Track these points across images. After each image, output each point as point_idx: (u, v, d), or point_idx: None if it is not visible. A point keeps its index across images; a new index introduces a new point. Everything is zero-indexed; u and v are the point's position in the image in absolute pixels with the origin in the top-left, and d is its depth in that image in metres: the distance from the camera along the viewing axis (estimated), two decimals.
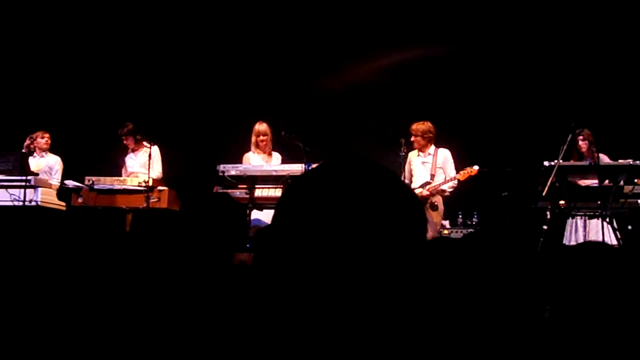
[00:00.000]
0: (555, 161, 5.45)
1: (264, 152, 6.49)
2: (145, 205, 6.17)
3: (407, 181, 6.31)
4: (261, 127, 6.47)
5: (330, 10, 7.87)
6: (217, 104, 8.05)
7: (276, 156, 6.53)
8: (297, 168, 6.02)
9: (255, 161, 6.43)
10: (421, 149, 6.37)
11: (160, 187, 6.42)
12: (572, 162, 5.82)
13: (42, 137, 6.85)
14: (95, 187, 6.33)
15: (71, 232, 6.04)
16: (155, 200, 6.25)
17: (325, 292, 1.12)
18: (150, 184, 6.29)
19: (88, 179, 6.37)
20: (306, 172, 1.25)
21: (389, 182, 1.17)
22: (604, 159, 5.86)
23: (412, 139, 6.31)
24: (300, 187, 1.20)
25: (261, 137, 6.44)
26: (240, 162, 6.38)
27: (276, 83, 8.02)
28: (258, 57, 8.08)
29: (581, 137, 6.05)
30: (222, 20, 8.07)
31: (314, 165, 5.69)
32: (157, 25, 8.04)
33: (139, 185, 6.31)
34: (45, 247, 5.87)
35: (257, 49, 8.10)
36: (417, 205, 1.20)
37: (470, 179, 6.13)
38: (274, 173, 6.04)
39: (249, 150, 6.53)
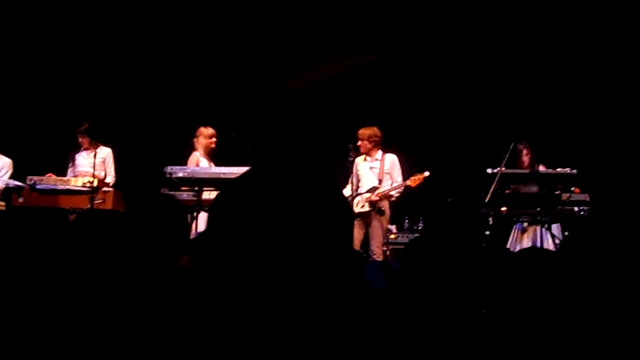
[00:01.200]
0: (498, 169, 5.58)
1: (211, 156, 6.46)
2: (89, 206, 6.05)
3: (354, 186, 6.37)
4: (213, 131, 6.44)
5: (277, 13, 7.88)
6: (165, 107, 7.97)
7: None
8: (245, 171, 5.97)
9: (204, 164, 6.39)
10: (368, 154, 6.43)
11: (105, 189, 6.31)
12: (513, 170, 5.97)
13: None
14: (37, 187, 6.18)
15: (9, 232, 5.88)
16: (100, 201, 6.14)
17: (251, 294, 1.14)
18: (95, 184, 6.18)
19: (30, 179, 6.22)
20: (237, 177, 1.27)
21: (317, 188, 1.19)
22: (542, 169, 6.04)
23: (359, 143, 6.37)
24: (231, 191, 1.21)
25: (214, 140, 6.40)
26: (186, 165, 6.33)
27: (225, 86, 8.00)
28: (206, 61, 8.03)
29: (525, 152, 6.20)
30: (168, 24, 7.99)
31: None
32: (105, 26, 7.91)
33: (83, 186, 6.19)
34: None
35: (204, 52, 8.05)
36: (343, 211, 1.23)
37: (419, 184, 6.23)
38: (222, 176, 6.00)
39: (192, 152, 6.47)
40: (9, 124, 7.39)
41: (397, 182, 6.37)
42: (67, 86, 7.93)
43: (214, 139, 6.42)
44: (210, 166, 6.36)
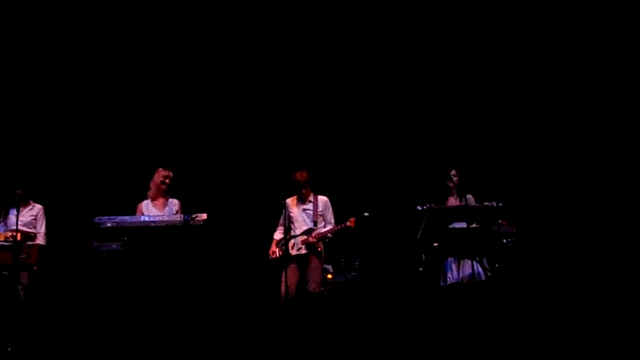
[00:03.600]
0: (427, 205, 5.67)
1: (164, 197, 6.34)
2: (11, 261, 5.82)
3: (286, 229, 6.38)
4: (167, 172, 6.34)
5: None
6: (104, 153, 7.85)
7: (173, 202, 6.40)
8: (177, 219, 5.91)
9: (150, 210, 6.28)
10: (300, 197, 6.46)
11: (29, 242, 6.10)
12: (443, 206, 6.07)
13: None
14: None
15: None
16: (25, 256, 5.93)
17: None
18: (18, 239, 5.96)
19: None
20: None
21: None
22: (471, 199, 6.17)
23: (302, 188, 6.41)
24: None
25: (167, 181, 6.30)
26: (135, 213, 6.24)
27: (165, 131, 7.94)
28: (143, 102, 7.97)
29: (454, 176, 6.34)
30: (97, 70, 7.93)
31: (194, 216, 5.67)
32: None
33: (4, 241, 5.97)
34: None
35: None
36: None
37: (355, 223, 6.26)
38: (152, 224, 5.88)
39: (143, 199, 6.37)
40: None
41: (330, 223, 6.41)
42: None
43: (165, 180, 6.30)
44: (163, 210, 6.25)
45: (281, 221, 6.43)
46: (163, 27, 7.86)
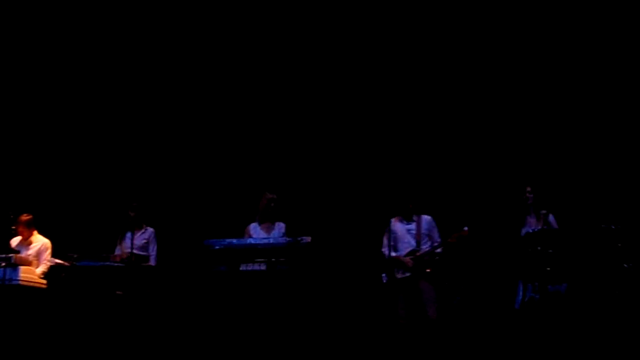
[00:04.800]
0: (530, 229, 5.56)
1: (271, 220, 6.48)
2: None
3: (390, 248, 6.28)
4: (272, 195, 6.50)
5: None
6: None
7: (280, 225, 6.51)
8: (282, 241, 6.02)
9: (257, 232, 6.44)
10: (404, 215, 6.33)
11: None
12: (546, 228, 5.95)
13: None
14: (79, 264, 6.28)
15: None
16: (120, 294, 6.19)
17: None
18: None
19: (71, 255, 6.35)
20: None
21: None
22: (552, 220, 6.10)
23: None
24: None
25: (272, 204, 6.45)
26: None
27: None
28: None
29: (529, 194, 6.25)
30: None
31: (299, 239, 5.76)
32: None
33: (120, 262, 6.31)
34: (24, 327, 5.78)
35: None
36: None
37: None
38: (259, 247, 6.02)
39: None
40: (48, 203, 7.62)
41: (437, 242, 6.23)
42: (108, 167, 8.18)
43: (270, 203, 6.45)
44: (269, 233, 6.40)
45: (385, 241, 6.31)
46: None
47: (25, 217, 6.81)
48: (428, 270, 6.04)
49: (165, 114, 8.30)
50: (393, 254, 6.14)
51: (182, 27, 8.20)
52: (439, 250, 6.13)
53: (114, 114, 8.34)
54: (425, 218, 6.31)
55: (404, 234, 6.25)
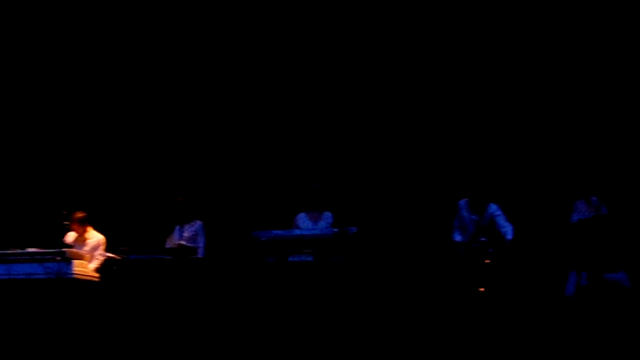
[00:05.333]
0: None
1: (318, 211, 6.53)
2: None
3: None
4: (317, 185, 6.56)
5: None
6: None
7: (327, 215, 6.55)
8: (329, 232, 6.02)
9: (304, 222, 6.49)
10: (472, 204, 6.27)
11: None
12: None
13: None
14: (131, 257, 6.38)
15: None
16: None
17: None
18: None
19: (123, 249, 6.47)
20: None
21: None
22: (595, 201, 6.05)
23: None
24: None
25: (318, 195, 6.51)
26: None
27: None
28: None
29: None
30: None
31: (345, 229, 5.74)
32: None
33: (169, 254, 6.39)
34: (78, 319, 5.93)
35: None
36: None
37: None
38: (305, 238, 6.04)
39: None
40: (101, 199, 7.79)
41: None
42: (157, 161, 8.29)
43: (315, 194, 6.50)
44: (317, 223, 6.43)
45: (457, 223, 6.27)
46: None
47: (79, 215, 6.99)
48: (487, 262, 5.97)
49: (211, 108, 8.39)
50: (458, 238, 6.19)
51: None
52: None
53: (163, 109, 8.47)
54: (492, 206, 6.24)
55: (469, 222, 6.23)
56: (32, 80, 8.62)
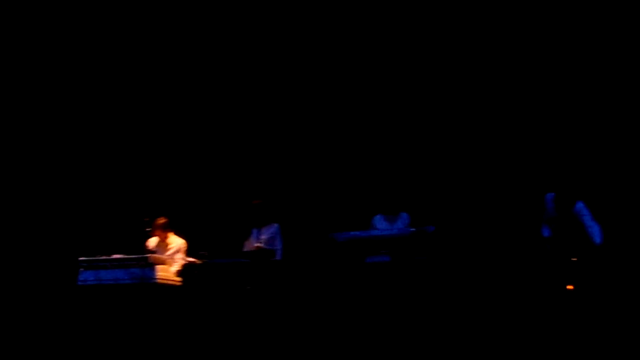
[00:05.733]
0: None
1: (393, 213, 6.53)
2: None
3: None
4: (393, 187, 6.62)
5: None
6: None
7: (404, 216, 6.54)
8: (406, 231, 5.97)
9: (381, 224, 6.49)
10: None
11: None
12: None
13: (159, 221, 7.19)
14: (212, 261, 6.51)
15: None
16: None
17: None
18: None
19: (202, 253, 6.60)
20: None
21: None
22: None
23: None
24: None
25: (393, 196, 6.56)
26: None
27: None
28: None
29: None
30: None
31: (422, 228, 5.66)
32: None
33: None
34: (162, 322, 6.08)
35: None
36: None
37: None
38: (383, 238, 6.00)
39: None
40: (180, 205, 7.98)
41: None
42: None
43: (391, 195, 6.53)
44: (393, 224, 6.42)
45: (545, 217, 6.14)
46: None
47: (161, 220, 7.18)
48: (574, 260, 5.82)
49: (290, 112, 8.45)
50: (547, 233, 6.11)
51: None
52: None
53: (240, 114, 8.61)
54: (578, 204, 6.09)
55: (554, 217, 6.11)
56: (113, 89, 8.92)
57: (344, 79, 8.29)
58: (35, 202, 8.65)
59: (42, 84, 8.88)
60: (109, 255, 6.71)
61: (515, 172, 7.44)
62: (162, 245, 7.20)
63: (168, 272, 6.67)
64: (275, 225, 7.01)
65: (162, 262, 6.68)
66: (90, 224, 8.42)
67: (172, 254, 7.06)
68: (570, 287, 5.57)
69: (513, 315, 5.63)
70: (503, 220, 7.23)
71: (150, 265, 6.50)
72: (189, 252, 7.00)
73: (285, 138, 8.43)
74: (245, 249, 6.91)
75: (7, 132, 8.79)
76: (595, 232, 5.89)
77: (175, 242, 7.21)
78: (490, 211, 7.37)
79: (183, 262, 6.83)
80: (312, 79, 8.39)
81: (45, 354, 6.42)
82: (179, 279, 6.65)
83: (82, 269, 6.68)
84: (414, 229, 5.89)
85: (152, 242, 7.20)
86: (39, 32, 8.76)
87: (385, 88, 8.15)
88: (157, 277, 6.47)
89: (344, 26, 8.23)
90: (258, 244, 6.67)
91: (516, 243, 6.76)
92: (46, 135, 8.84)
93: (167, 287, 6.52)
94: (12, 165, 8.67)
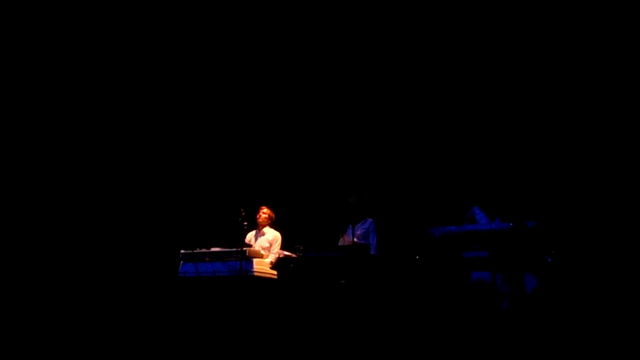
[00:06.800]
0: None
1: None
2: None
3: None
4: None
5: None
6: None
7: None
8: (504, 226, 5.79)
9: (481, 217, 6.35)
10: None
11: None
12: None
13: (261, 213, 7.31)
14: (307, 255, 6.55)
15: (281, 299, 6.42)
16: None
17: None
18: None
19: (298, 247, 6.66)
20: None
21: None
22: None
23: None
24: None
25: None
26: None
27: None
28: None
29: None
30: None
31: (521, 223, 5.48)
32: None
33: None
34: (259, 314, 6.17)
35: None
36: None
37: None
38: (480, 233, 5.84)
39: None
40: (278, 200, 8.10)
41: None
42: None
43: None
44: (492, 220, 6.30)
45: None
46: None
47: (264, 214, 7.39)
48: None
49: (382, 108, 8.41)
50: None
51: None
52: None
53: (335, 111, 8.64)
54: None
55: None
56: (207, 88, 9.14)
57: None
58: (140, 198, 9.00)
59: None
60: (208, 248, 6.89)
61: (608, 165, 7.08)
62: (259, 235, 7.34)
63: (265, 265, 6.78)
64: (370, 220, 7.00)
65: (260, 256, 6.79)
66: (191, 217, 8.68)
67: (268, 247, 7.18)
68: None
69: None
70: (600, 218, 6.88)
71: (248, 259, 6.62)
72: (285, 247, 7.09)
73: (382, 134, 8.38)
74: (340, 244, 6.94)
75: (114, 130, 9.16)
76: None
77: (271, 233, 7.33)
78: (592, 207, 7.05)
79: (278, 254, 6.93)
80: (401, 75, 8.31)
81: (148, 340, 6.67)
82: (275, 272, 6.75)
83: (182, 262, 6.89)
84: (514, 224, 5.70)
85: (250, 235, 7.35)
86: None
87: (479, 85, 7.96)
88: (255, 270, 6.59)
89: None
90: (353, 239, 6.68)
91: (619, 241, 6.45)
92: (147, 133, 9.16)
93: (263, 280, 6.63)
94: (121, 164, 9.03)
